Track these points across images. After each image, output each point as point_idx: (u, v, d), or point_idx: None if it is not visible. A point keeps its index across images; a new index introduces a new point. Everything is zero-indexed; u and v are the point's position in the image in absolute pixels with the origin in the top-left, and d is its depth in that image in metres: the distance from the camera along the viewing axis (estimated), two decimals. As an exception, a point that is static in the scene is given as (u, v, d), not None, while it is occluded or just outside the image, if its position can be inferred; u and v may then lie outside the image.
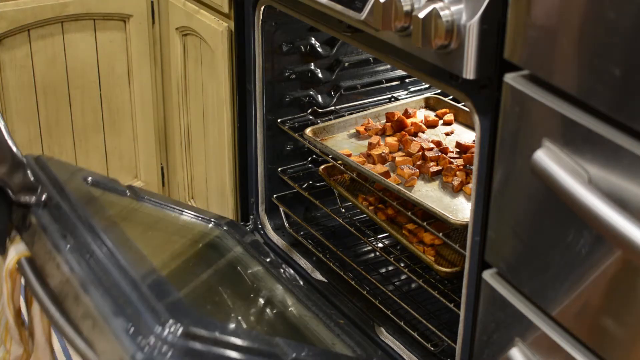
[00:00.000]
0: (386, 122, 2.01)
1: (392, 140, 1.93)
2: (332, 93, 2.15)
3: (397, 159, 1.85)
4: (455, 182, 1.75)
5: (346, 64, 2.13)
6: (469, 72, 1.23)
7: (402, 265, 1.86)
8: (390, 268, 1.91)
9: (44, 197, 1.50)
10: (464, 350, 1.44)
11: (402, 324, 1.71)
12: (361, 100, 2.20)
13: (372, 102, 2.22)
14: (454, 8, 1.20)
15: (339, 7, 1.44)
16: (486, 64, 1.22)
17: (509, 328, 1.24)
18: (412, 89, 2.27)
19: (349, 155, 1.85)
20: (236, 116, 2.06)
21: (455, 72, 1.26)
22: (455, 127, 2.01)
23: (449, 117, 2.03)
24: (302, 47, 2.04)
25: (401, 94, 2.26)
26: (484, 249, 1.29)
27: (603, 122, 1.03)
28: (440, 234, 1.72)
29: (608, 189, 1.02)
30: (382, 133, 1.97)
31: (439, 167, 1.80)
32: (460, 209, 1.69)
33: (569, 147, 1.07)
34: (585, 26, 1.02)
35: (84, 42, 2.36)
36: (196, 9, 2.15)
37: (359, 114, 2.02)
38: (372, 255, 1.98)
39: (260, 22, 1.89)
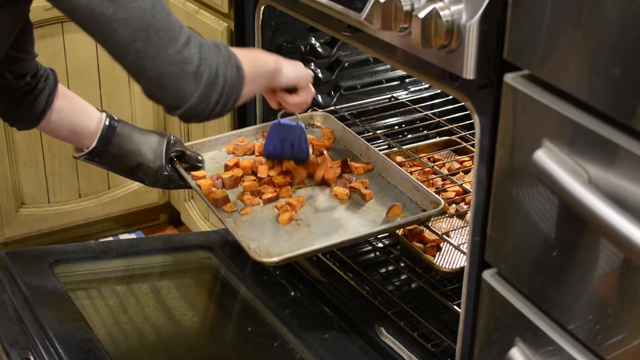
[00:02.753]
0: (263, 139, 1.82)
1: (247, 162, 1.75)
2: (332, 93, 2.15)
3: (245, 183, 1.71)
4: (285, 216, 1.62)
5: (346, 64, 2.13)
6: (469, 72, 1.23)
7: (402, 265, 1.86)
8: (390, 268, 1.91)
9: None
10: (464, 351, 1.44)
11: (402, 324, 1.71)
12: (361, 100, 2.20)
13: (372, 102, 2.22)
14: (454, 8, 1.20)
15: (339, 7, 1.44)
16: (486, 64, 1.22)
17: (509, 328, 1.24)
18: (412, 89, 2.27)
19: (203, 177, 1.71)
20: (236, 116, 2.06)
21: (455, 72, 1.26)
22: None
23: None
24: (302, 47, 2.04)
25: (401, 93, 2.26)
26: (484, 249, 1.29)
27: (603, 122, 1.03)
28: (441, 234, 1.72)
29: (608, 189, 1.02)
30: (252, 153, 1.82)
31: (273, 195, 1.67)
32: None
33: (569, 147, 1.06)
34: (585, 26, 1.02)
35: (84, 42, 2.36)
36: (196, 9, 2.15)
37: (236, 131, 1.88)
38: (372, 255, 1.98)
39: (260, 22, 1.89)
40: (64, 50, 2.35)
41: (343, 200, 1.68)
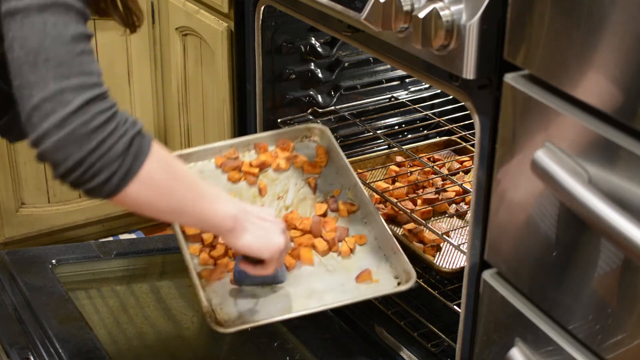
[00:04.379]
0: (255, 152, 1.79)
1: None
2: (332, 93, 2.15)
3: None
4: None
5: (346, 64, 2.13)
6: (468, 72, 1.23)
7: (402, 265, 1.86)
8: (390, 268, 1.91)
9: None
10: (464, 351, 1.44)
11: (402, 324, 1.71)
12: (361, 100, 2.20)
13: (372, 102, 2.22)
14: (454, 8, 1.20)
15: (339, 7, 1.44)
16: (486, 64, 1.22)
17: (509, 328, 1.24)
18: (412, 89, 2.27)
19: None
20: (236, 116, 2.06)
21: (455, 72, 1.26)
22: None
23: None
24: (302, 47, 2.04)
25: (401, 93, 2.26)
26: (484, 249, 1.29)
27: (603, 122, 1.03)
28: (441, 234, 1.72)
29: (608, 189, 1.02)
30: (239, 170, 1.75)
31: None
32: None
33: (569, 147, 1.07)
34: (585, 26, 1.02)
35: (84, 42, 2.36)
36: (196, 9, 2.15)
37: (227, 141, 1.78)
38: (372, 255, 1.97)
39: (260, 22, 1.89)
40: (64, 50, 2.35)
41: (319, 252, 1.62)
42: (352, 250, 1.63)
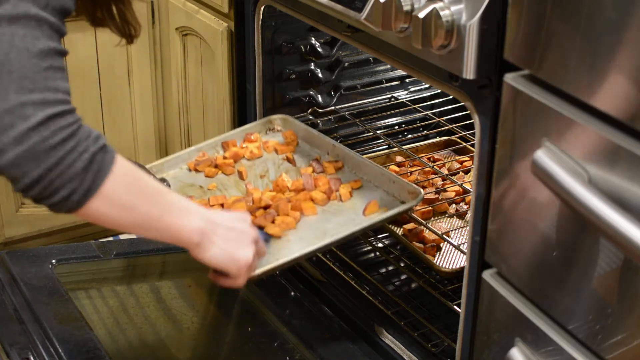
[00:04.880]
0: (223, 152, 1.82)
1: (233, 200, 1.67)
2: (332, 93, 2.15)
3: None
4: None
5: (346, 64, 2.13)
6: (469, 72, 1.23)
7: (402, 265, 1.86)
8: (390, 268, 1.91)
9: None
10: (464, 351, 1.44)
11: (402, 324, 1.71)
12: (361, 100, 2.20)
13: (372, 102, 2.22)
14: (454, 8, 1.20)
15: (339, 7, 1.44)
16: (486, 64, 1.22)
17: (509, 328, 1.24)
18: (412, 89, 2.27)
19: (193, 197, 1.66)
20: (236, 116, 2.06)
21: (455, 72, 1.26)
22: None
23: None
24: (302, 47, 2.04)
25: (401, 93, 2.26)
26: (484, 249, 1.29)
27: (603, 122, 1.03)
28: (441, 234, 1.72)
29: (608, 189, 1.02)
30: (215, 166, 1.77)
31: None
32: None
33: (569, 147, 1.07)
34: (585, 26, 1.02)
35: (84, 42, 2.36)
36: (196, 9, 2.15)
37: (194, 147, 1.80)
38: (372, 255, 1.98)
39: (260, 22, 1.89)
40: (64, 50, 2.35)
41: (320, 203, 1.64)
42: (350, 194, 1.66)
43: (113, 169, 1.15)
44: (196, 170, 1.77)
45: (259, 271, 1.43)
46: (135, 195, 1.20)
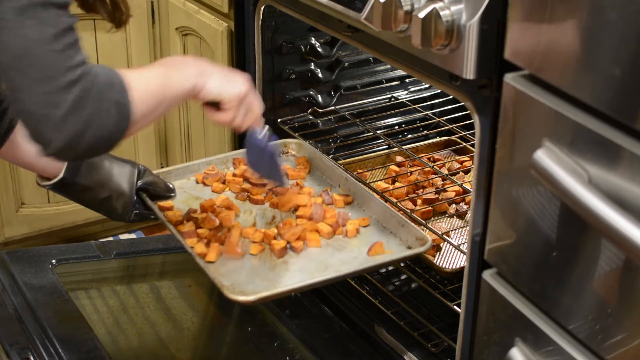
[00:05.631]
0: (234, 168, 1.80)
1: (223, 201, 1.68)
2: (332, 93, 2.15)
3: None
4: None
5: (346, 64, 2.13)
6: (469, 72, 1.23)
7: (402, 265, 1.86)
8: (390, 268, 1.91)
9: None
10: (464, 351, 1.44)
11: (402, 324, 1.71)
12: (361, 100, 2.20)
13: (372, 102, 2.22)
14: (454, 8, 1.20)
15: (339, 7, 1.44)
16: (486, 64, 1.22)
17: (509, 328, 1.24)
18: (412, 89, 2.27)
19: (170, 208, 1.65)
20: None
21: (455, 72, 1.26)
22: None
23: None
24: (302, 47, 2.04)
25: (401, 93, 2.26)
26: (484, 249, 1.29)
27: (603, 122, 1.03)
28: (441, 234, 1.72)
29: (608, 189, 1.02)
30: (223, 182, 1.76)
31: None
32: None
33: (569, 147, 1.06)
34: (585, 26, 1.02)
35: (84, 42, 2.36)
36: (196, 9, 2.15)
37: (205, 159, 1.80)
38: (372, 255, 1.98)
39: (260, 22, 1.89)
40: (64, 50, 2.35)
41: (325, 236, 1.60)
42: (357, 231, 1.62)
43: (132, 98, 1.23)
44: (204, 184, 1.75)
45: (255, 297, 1.42)
46: (153, 99, 1.30)
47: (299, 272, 1.50)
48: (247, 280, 1.48)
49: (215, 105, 1.42)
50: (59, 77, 1.14)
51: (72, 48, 1.17)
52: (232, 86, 1.41)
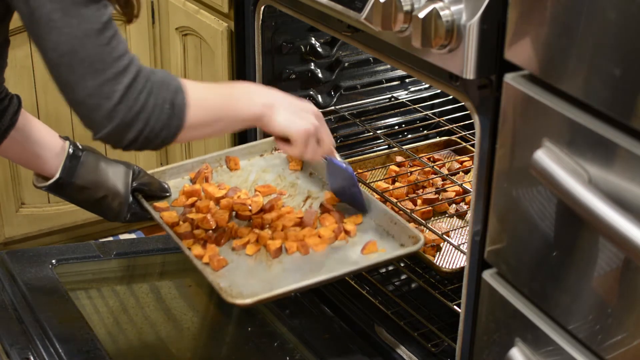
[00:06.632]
0: (227, 165, 1.78)
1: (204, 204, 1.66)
2: (332, 93, 2.15)
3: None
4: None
5: (346, 64, 2.13)
6: (469, 72, 1.23)
7: (402, 265, 1.86)
8: (390, 268, 1.91)
9: None
10: (464, 351, 1.44)
11: (402, 324, 1.71)
12: (361, 100, 2.20)
13: (372, 102, 2.22)
14: (454, 8, 1.20)
15: (339, 7, 1.44)
16: (486, 64, 1.22)
17: (509, 328, 1.24)
18: (412, 89, 2.27)
19: (166, 209, 1.64)
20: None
21: (455, 72, 1.26)
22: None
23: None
24: (302, 47, 2.04)
25: (401, 93, 2.26)
26: (484, 249, 1.29)
27: (603, 122, 1.03)
28: (441, 234, 1.72)
29: (608, 189, 1.02)
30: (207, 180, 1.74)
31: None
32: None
33: (569, 147, 1.07)
34: (585, 26, 1.02)
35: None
36: (196, 9, 2.15)
37: (199, 158, 1.77)
38: (372, 255, 1.98)
39: (260, 22, 1.89)
40: (64, 50, 2.35)
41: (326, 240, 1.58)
42: (355, 231, 1.61)
43: (188, 102, 1.30)
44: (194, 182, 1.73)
45: (251, 300, 1.42)
46: (212, 110, 1.36)
47: (295, 272, 1.50)
48: (244, 281, 1.47)
49: (284, 137, 1.46)
50: (107, 69, 1.22)
51: (115, 39, 1.23)
52: (300, 122, 1.44)
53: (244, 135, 2.02)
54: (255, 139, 1.94)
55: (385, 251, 1.55)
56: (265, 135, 1.87)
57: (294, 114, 1.44)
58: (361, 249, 1.55)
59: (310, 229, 1.61)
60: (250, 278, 1.49)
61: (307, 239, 1.57)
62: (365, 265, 1.54)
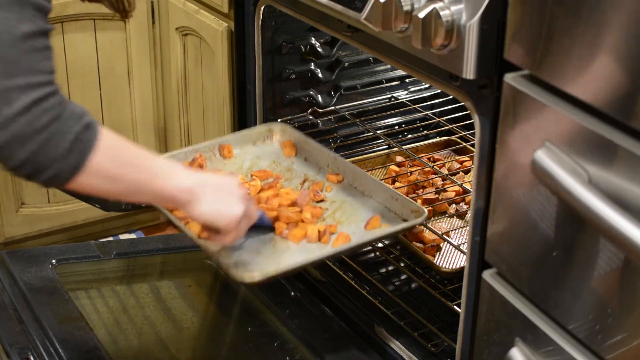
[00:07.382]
0: (220, 154, 1.78)
1: None
2: (332, 93, 2.15)
3: None
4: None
5: (346, 64, 2.13)
6: (468, 72, 1.23)
7: (402, 265, 1.86)
8: (390, 268, 1.91)
9: None
10: (464, 351, 1.44)
11: (402, 324, 1.71)
12: (361, 100, 2.20)
13: (372, 102, 2.22)
14: (454, 8, 1.20)
15: (339, 7, 1.44)
16: (486, 64, 1.22)
17: (509, 328, 1.24)
18: (412, 89, 2.27)
19: None
20: (236, 116, 2.06)
21: (455, 72, 1.26)
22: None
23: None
24: (302, 47, 2.04)
25: (401, 93, 2.26)
26: (484, 249, 1.29)
27: (603, 122, 1.03)
28: (441, 234, 1.72)
29: (608, 189, 1.02)
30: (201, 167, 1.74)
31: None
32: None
33: (569, 147, 1.07)
34: (585, 26, 1.02)
35: (84, 42, 2.36)
36: (196, 9, 2.15)
37: (192, 147, 1.76)
38: (372, 255, 1.98)
39: (260, 22, 1.89)
40: (64, 51, 2.35)
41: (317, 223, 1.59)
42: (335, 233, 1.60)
43: (97, 144, 1.17)
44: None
45: (261, 277, 1.41)
46: (122, 166, 1.23)
47: (300, 251, 1.51)
48: (250, 259, 1.48)
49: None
50: (20, 76, 1.11)
51: (41, 53, 1.14)
52: (228, 210, 1.35)
53: (244, 126, 2.01)
54: (254, 119, 1.96)
55: (389, 226, 1.56)
56: (259, 116, 1.90)
57: (219, 201, 1.34)
58: (364, 224, 1.56)
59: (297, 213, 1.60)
60: (255, 256, 1.49)
61: (307, 226, 1.58)
62: (373, 238, 1.55)
